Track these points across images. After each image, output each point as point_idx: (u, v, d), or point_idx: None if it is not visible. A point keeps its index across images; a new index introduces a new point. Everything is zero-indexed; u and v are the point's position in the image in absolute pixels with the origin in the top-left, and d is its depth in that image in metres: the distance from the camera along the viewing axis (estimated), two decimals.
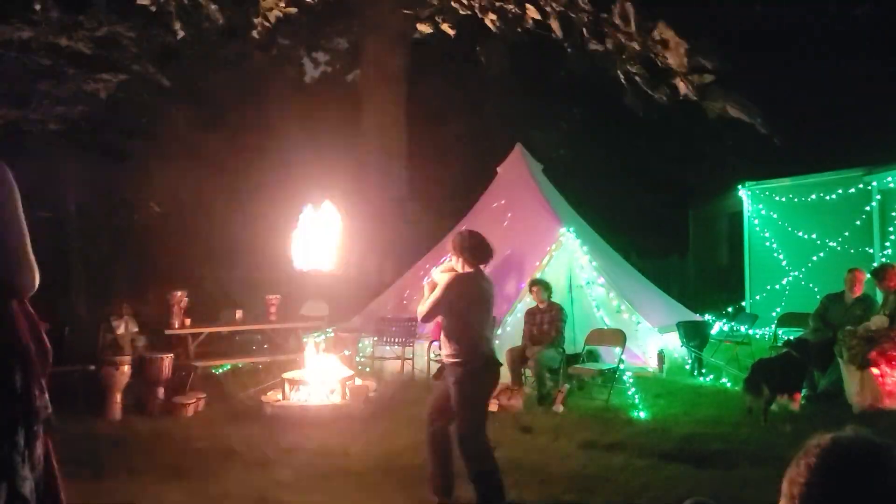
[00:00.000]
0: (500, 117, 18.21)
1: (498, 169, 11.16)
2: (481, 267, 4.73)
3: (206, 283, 12.61)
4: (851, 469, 1.37)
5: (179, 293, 8.47)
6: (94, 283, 12.55)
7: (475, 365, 4.51)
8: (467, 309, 4.58)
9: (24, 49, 9.10)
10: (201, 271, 13.10)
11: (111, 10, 10.84)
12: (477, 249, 4.69)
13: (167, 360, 7.60)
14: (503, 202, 10.57)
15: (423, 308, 4.68)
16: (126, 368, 7.28)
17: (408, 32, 15.03)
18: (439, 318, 4.77)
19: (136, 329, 9.01)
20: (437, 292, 4.59)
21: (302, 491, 5.02)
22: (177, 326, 8.38)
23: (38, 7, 7.63)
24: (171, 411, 7.33)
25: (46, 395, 2.24)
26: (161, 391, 7.48)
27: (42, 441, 2.21)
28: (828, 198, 11.09)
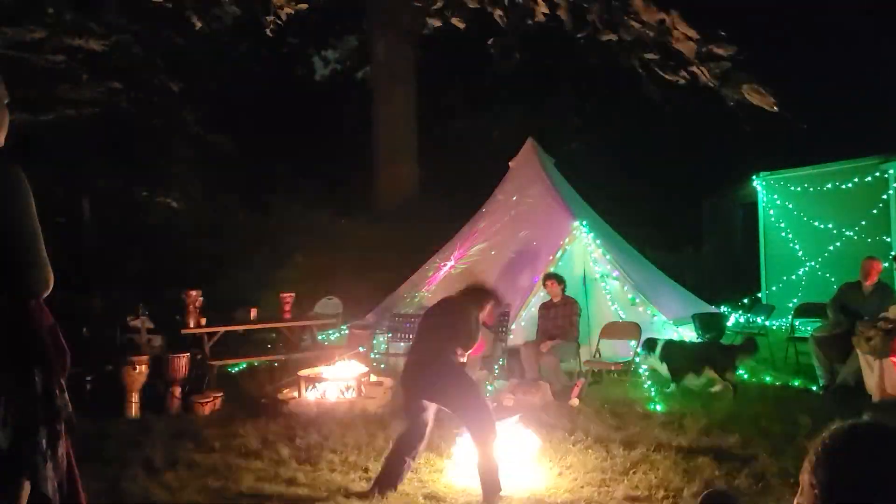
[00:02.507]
0: (510, 111, 18.17)
1: (510, 163, 11.13)
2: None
3: (221, 282, 12.65)
4: (869, 455, 1.36)
5: (194, 292, 8.49)
6: (109, 283, 12.61)
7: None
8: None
9: (38, 51, 9.15)
10: (215, 270, 13.15)
11: (121, 13, 10.89)
12: None
13: (184, 359, 7.64)
14: (515, 197, 10.55)
15: None
16: (143, 368, 7.33)
17: (417, 28, 15.02)
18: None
19: (153, 328, 9.05)
20: None
21: (318, 488, 5.04)
22: (192, 326, 8.41)
23: (50, 10, 7.68)
24: (189, 410, 7.37)
25: (66, 395, 2.26)
26: (178, 390, 7.52)
27: (64, 440, 2.23)
28: (844, 187, 10.98)
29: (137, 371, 7.27)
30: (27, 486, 2.09)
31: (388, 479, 4.87)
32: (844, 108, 15.00)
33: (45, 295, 2.19)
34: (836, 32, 15.48)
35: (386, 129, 15.98)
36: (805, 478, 1.40)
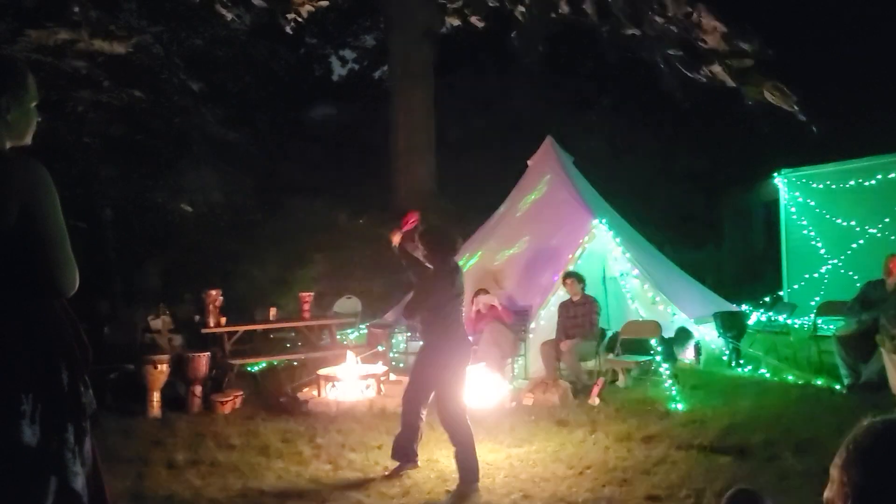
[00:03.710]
0: (529, 109, 18.11)
1: (529, 162, 11.09)
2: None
3: (240, 282, 12.72)
4: None
5: (214, 292, 8.55)
6: (131, 283, 12.73)
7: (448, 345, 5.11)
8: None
9: (60, 54, 9.24)
10: (235, 270, 13.22)
11: (141, 15, 10.97)
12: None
13: (204, 358, 7.68)
14: (534, 195, 10.51)
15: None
16: (164, 367, 7.38)
17: (435, 27, 15.02)
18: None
19: (174, 328, 9.12)
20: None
21: (339, 486, 5.05)
22: (213, 325, 8.46)
23: (76, 9, 7.74)
24: (209, 409, 7.42)
25: (91, 392, 2.28)
26: (199, 389, 7.56)
27: (89, 436, 2.25)
28: (867, 183, 10.86)
29: (158, 370, 7.33)
30: (55, 483, 2.11)
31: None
32: (867, 104, 14.82)
33: (71, 294, 2.21)
34: (857, 27, 15.29)
35: (403, 128, 15.98)
36: (836, 472, 1.38)
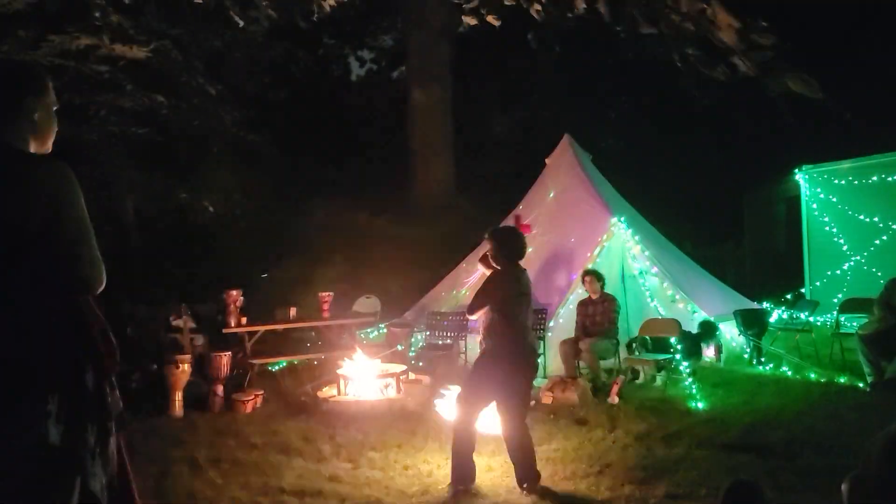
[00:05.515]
0: (547, 108, 18.08)
1: (546, 160, 11.07)
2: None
3: (260, 282, 12.80)
4: None
5: (235, 292, 8.61)
6: (153, 284, 12.85)
7: (518, 357, 4.94)
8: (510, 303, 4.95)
9: (82, 59, 9.37)
10: (255, 270, 13.32)
11: (160, 17, 11.08)
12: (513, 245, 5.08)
13: (226, 358, 7.74)
14: (553, 194, 10.49)
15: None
16: (186, 367, 7.45)
17: (452, 26, 15.04)
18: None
19: (195, 328, 9.20)
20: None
21: (359, 485, 5.08)
22: (233, 325, 8.53)
23: (97, 14, 7.82)
24: (231, 408, 7.48)
25: (117, 392, 2.31)
26: (220, 388, 7.63)
27: (115, 438, 2.28)
28: (889, 179, 10.74)
29: (180, 370, 7.40)
30: (79, 483, 2.14)
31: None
32: (889, 99, 14.64)
33: (98, 292, 2.25)
34: (878, 20, 15.11)
35: (422, 128, 16.02)
36: (872, 464, 1.37)
